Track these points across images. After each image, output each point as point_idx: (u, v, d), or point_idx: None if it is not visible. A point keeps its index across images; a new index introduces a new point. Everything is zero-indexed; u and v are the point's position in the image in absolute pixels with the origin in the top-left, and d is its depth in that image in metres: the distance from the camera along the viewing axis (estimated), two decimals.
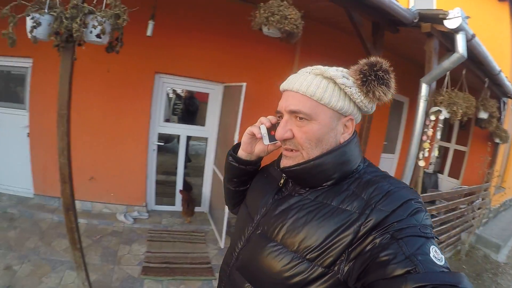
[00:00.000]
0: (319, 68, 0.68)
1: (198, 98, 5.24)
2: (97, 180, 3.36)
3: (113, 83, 3.25)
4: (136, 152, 3.44)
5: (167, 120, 4.14)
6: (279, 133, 0.67)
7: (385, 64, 0.64)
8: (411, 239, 0.50)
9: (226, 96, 3.50)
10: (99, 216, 3.36)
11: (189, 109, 5.28)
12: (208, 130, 3.72)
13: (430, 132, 2.52)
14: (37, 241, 2.83)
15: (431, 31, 2.42)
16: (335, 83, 0.65)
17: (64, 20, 1.59)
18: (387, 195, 0.58)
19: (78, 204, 2.88)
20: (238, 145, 0.87)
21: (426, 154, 2.54)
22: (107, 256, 2.76)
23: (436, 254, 0.49)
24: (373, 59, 0.65)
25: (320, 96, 0.64)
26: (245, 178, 0.88)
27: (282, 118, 0.69)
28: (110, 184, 3.41)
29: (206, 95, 3.74)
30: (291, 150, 0.69)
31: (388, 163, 5.21)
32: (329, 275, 0.57)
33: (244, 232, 0.75)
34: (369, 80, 0.63)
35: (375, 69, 0.63)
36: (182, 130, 3.86)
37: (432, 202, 3.57)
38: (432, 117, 2.55)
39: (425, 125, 2.51)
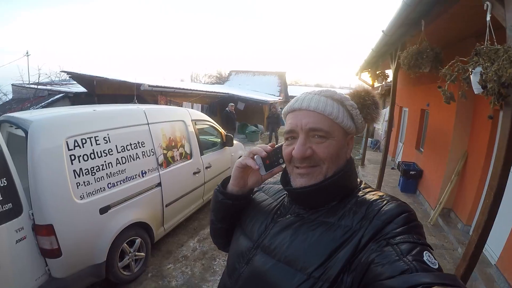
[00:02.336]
0: (329, 90, 0.74)
1: None
2: None
3: None
4: None
5: None
6: (300, 151, 0.67)
7: (376, 94, 0.76)
8: (405, 244, 0.53)
9: None
10: None
11: None
12: None
13: None
14: None
15: None
16: (343, 104, 0.72)
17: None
18: (383, 208, 0.61)
19: None
20: (225, 181, 0.86)
21: None
22: None
23: (430, 258, 0.51)
24: (363, 88, 0.77)
25: (336, 115, 0.69)
26: (240, 212, 0.86)
27: (292, 139, 0.71)
28: None
29: None
30: (309, 167, 0.69)
31: None
32: None
33: (242, 255, 0.74)
34: (368, 104, 0.74)
35: (371, 95, 0.75)
36: None
37: None
38: None
39: None
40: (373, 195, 0.68)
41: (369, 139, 10.43)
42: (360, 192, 0.70)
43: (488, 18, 1.75)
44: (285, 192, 0.80)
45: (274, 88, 18.54)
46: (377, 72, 6.81)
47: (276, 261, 0.66)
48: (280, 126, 11.27)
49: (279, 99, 16.37)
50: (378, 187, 4.80)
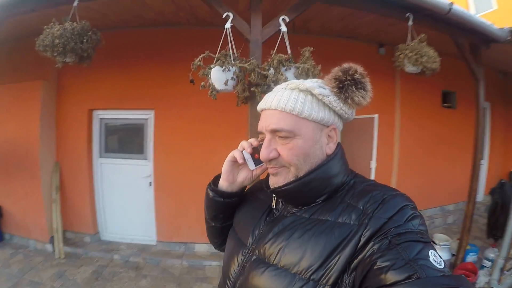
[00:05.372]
0: (294, 82, 0.67)
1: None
2: None
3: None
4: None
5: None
6: (264, 154, 0.65)
7: (360, 68, 0.63)
8: (410, 244, 0.50)
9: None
10: None
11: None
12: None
13: None
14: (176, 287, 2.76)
15: None
16: (312, 94, 0.65)
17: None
18: (383, 203, 0.57)
19: None
20: (218, 177, 0.81)
21: None
22: None
23: (436, 258, 0.49)
24: (346, 65, 0.64)
25: (299, 110, 0.63)
26: (232, 211, 0.82)
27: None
28: None
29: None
30: (277, 167, 0.67)
31: None
32: None
33: (236, 260, 0.71)
34: (346, 86, 0.62)
35: (350, 73, 0.63)
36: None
37: None
38: None
39: None
40: (369, 187, 0.63)
41: None
42: (355, 185, 0.65)
43: (228, 26, 1.81)
44: None
45: None
46: None
47: (272, 265, 0.62)
48: None
49: None
50: None
